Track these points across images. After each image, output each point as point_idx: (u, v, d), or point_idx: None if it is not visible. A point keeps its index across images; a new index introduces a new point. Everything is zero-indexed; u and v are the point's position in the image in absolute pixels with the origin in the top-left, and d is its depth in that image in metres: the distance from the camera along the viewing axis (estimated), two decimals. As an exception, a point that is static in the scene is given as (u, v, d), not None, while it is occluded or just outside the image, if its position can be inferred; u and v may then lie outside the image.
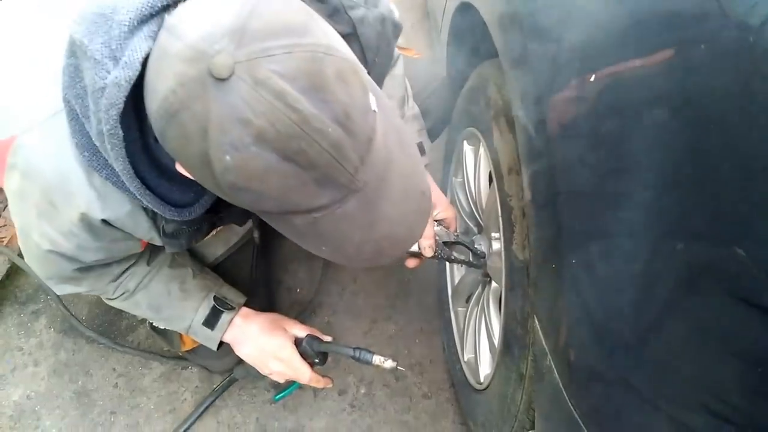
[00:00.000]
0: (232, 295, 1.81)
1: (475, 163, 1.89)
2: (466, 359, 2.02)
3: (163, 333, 2.06)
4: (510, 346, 1.53)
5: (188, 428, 2.16)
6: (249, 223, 1.93)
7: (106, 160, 1.16)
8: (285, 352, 1.75)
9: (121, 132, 1.05)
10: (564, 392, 1.16)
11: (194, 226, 1.43)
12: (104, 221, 1.27)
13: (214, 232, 1.64)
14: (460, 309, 2.17)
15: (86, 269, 1.47)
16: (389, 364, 1.69)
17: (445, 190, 2.20)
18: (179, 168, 1.07)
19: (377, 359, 1.70)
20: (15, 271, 2.53)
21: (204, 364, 2.21)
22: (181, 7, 0.95)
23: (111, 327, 2.39)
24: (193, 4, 0.94)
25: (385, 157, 1.00)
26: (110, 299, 1.68)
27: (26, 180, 1.23)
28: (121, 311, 2.38)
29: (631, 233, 0.96)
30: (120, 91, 0.99)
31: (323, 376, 1.85)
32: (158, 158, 1.17)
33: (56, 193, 1.23)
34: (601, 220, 1.03)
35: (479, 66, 1.78)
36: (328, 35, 0.94)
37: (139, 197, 1.17)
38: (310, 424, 2.19)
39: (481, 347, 1.90)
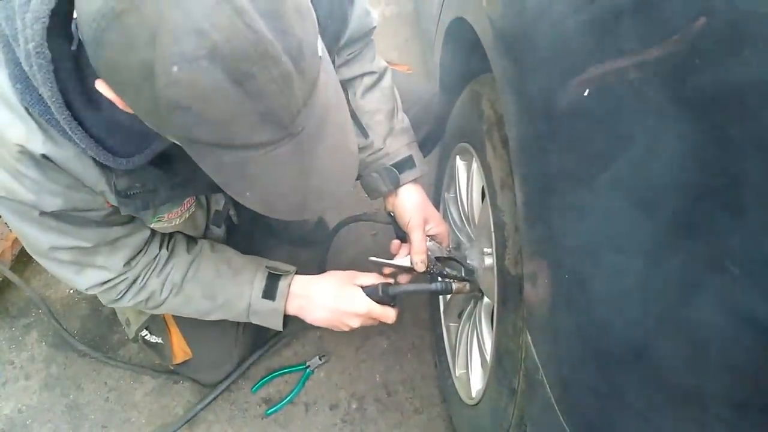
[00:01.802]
0: (281, 265, 1.79)
1: (468, 179, 1.89)
2: (457, 374, 2.02)
3: (154, 346, 2.06)
4: (502, 361, 1.53)
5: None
6: (224, 224, 1.93)
7: (39, 95, 1.11)
8: (361, 306, 1.72)
9: (48, 52, 1.02)
10: (556, 407, 1.16)
11: (148, 187, 1.38)
12: (47, 159, 1.21)
13: (185, 214, 1.62)
14: (452, 324, 2.17)
15: (80, 227, 1.41)
16: (468, 287, 1.77)
17: (437, 206, 2.20)
18: (101, 87, 0.99)
19: (456, 287, 1.76)
20: (6, 285, 2.53)
21: (195, 377, 2.20)
22: None
23: (103, 341, 2.39)
24: None
25: (324, 105, 0.99)
26: (160, 304, 1.66)
27: None
28: (112, 325, 2.40)
29: (625, 248, 0.97)
30: (44, 3, 0.97)
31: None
32: (96, 98, 1.11)
33: None
34: (595, 235, 1.03)
35: (472, 81, 1.79)
36: None
37: (69, 132, 1.12)
38: (302, 439, 2.18)
39: (472, 362, 1.90)
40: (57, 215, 1.33)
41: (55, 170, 1.25)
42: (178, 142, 1.01)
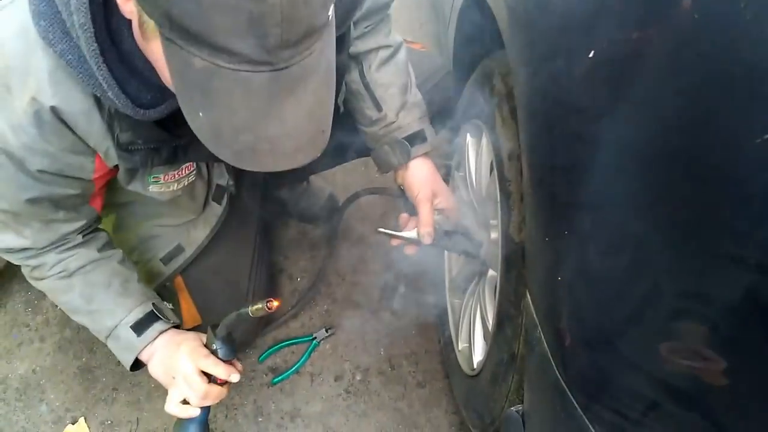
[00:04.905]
0: (170, 314, 1.77)
1: (477, 154, 1.93)
2: (460, 348, 2.07)
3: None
4: (503, 328, 1.58)
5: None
6: (225, 201, 1.97)
7: (64, 30, 1.15)
8: (189, 346, 1.63)
9: None
10: (552, 361, 1.20)
11: (151, 144, 1.40)
12: (55, 113, 1.25)
13: (182, 180, 1.65)
14: (456, 301, 2.23)
15: (33, 201, 1.42)
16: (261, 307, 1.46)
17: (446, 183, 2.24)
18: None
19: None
20: (24, 250, 2.58)
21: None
22: None
23: (116, 307, 2.44)
24: None
25: (312, 68, 1.00)
26: (42, 278, 1.64)
27: None
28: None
29: (620, 204, 1.01)
30: None
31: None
32: (119, 40, 1.16)
33: (13, 75, 1.22)
34: (593, 193, 1.07)
35: (485, 58, 1.83)
36: None
37: (94, 67, 1.16)
38: (306, 408, 2.24)
39: (475, 336, 1.95)
40: (34, 175, 1.36)
41: (56, 131, 1.29)
42: (158, 29, 0.99)
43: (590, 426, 1.11)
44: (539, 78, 1.28)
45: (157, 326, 1.67)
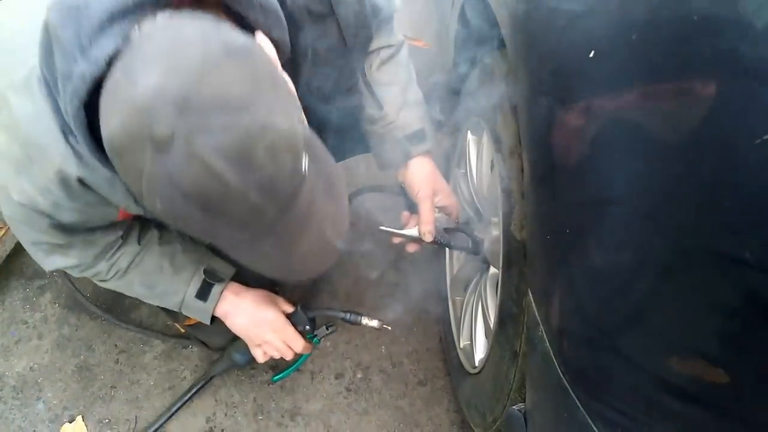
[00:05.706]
0: (222, 266, 1.87)
1: (478, 152, 1.93)
2: (462, 346, 2.06)
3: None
4: (505, 326, 1.57)
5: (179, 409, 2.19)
6: None
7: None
8: (279, 323, 1.88)
9: (84, 116, 1.08)
10: (554, 360, 1.20)
11: None
12: (80, 181, 1.30)
13: None
14: (457, 298, 2.22)
15: (69, 231, 1.50)
16: (375, 323, 1.94)
17: (447, 181, 2.24)
18: None
19: (365, 320, 1.92)
20: (22, 246, 2.55)
21: (204, 340, 2.22)
22: (149, 23, 1.00)
23: (114, 304, 2.43)
24: (161, 30, 0.98)
25: (307, 208, 1.06)
26: (104, 281, 1.74)
27: (6, 134, 1.27)
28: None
29: (622, 201, 1.01)
30: (84, 84, 1.02)
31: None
32: None
33: (34, 148, 1.26)
34: (594, 191, 1.07)
35: (486, 56, 1.82)
36: (271, 106, 0.97)
37: (103, 167, 1.20)
38: (307, 406, 2.23)
39: (477, 333, 1.94)
40: (65, 226, 1.46)
41: (82, 192, 1.34)
42: None
43: (592, 424, 1.11)
44: (540, 76, 1.28)
45: (216, 289, 1.84)
